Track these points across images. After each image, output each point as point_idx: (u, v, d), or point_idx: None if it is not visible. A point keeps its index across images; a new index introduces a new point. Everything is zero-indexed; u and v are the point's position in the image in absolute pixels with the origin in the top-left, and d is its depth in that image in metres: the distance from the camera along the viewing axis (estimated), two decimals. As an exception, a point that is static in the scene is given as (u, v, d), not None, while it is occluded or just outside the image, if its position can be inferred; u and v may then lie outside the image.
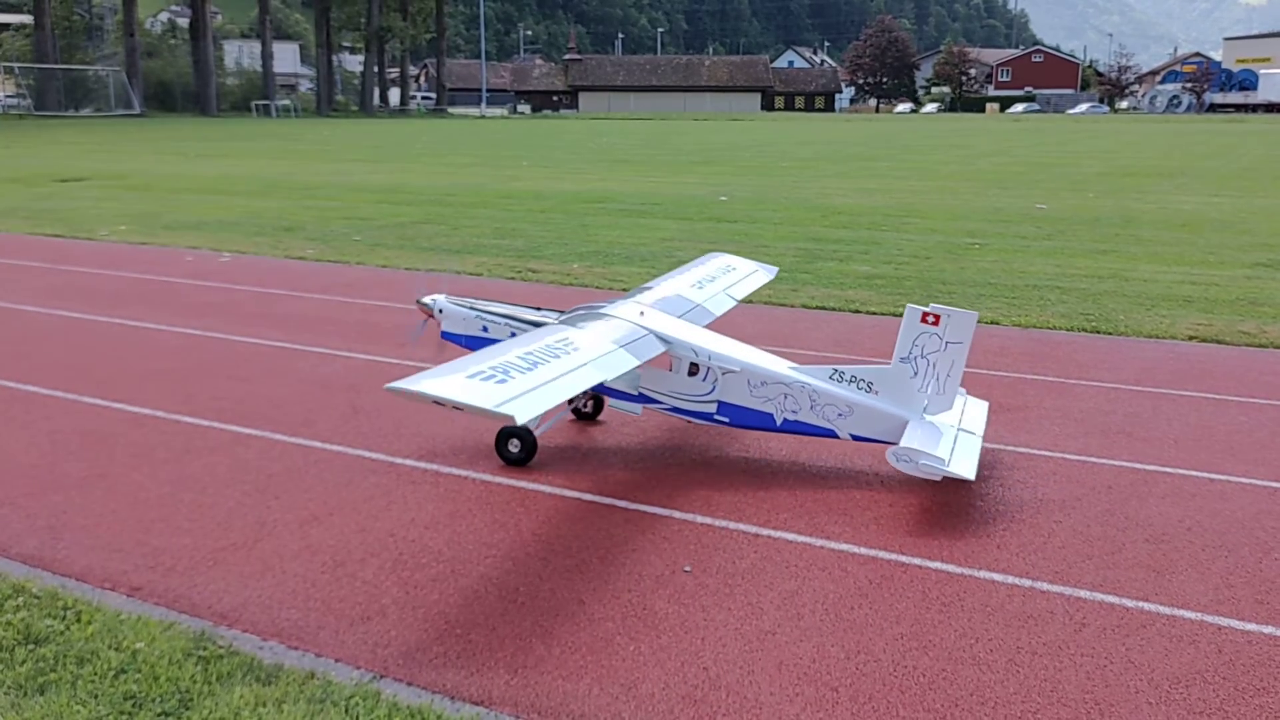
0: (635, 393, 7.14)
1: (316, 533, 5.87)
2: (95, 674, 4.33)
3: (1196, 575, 5.46)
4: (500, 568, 5.47)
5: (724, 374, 6.81)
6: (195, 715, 4.06)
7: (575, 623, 4.91)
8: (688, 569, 5.48)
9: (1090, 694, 4.35)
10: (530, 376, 5.65)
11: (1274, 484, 6.77)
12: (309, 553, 5.62)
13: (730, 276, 8.58)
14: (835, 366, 6.78)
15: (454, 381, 5.43)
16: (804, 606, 5.09)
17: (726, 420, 6.93)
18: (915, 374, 6.50)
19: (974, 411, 7.07)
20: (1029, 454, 7.31)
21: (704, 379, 6.88)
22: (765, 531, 5.95)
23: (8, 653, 4.49)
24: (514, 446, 6.97)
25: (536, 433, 7.04)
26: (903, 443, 6.24)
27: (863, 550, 5.72)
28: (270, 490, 6.49)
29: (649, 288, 7.90)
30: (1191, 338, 10.92)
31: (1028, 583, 5.36)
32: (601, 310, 7.07)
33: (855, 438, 6.65)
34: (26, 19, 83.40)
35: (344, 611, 4.99)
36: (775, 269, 9.28)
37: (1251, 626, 4.93)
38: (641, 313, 7.06)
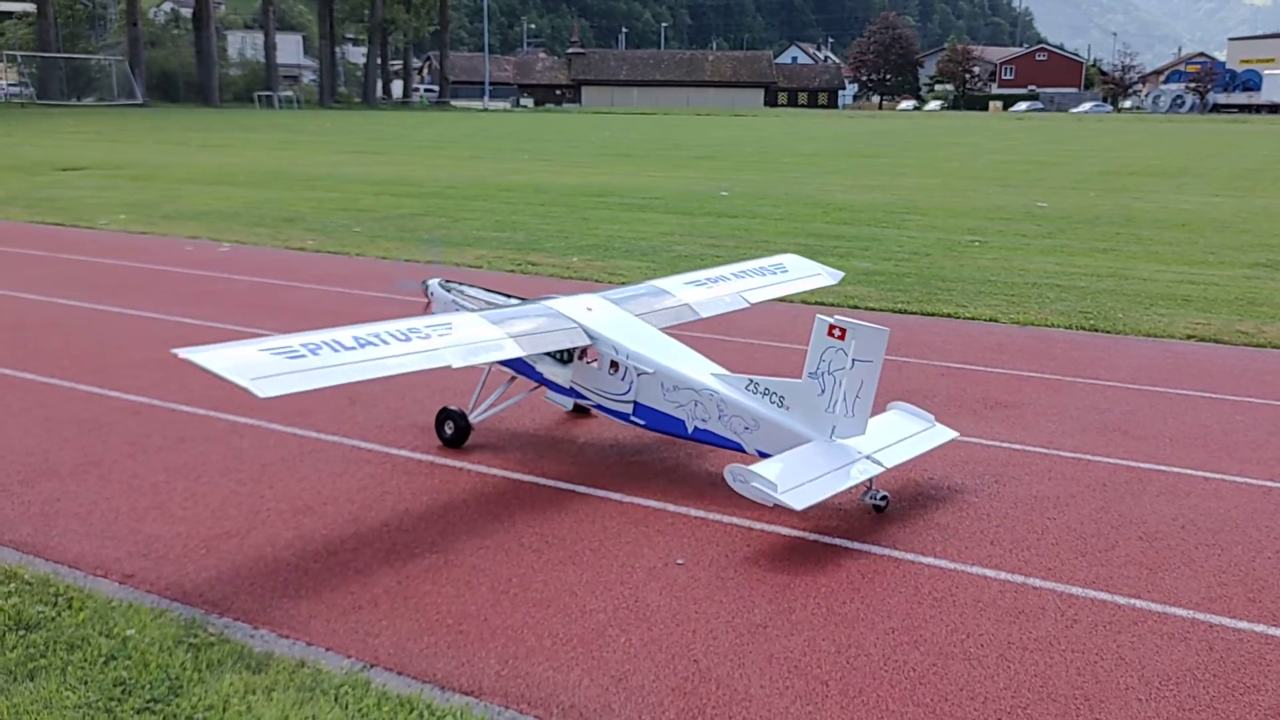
0: (568, 386, 7.01)
1: (310, 522, 5.87)
2: (85, 660, 4.33)
3: (1189, 573, 5.46)
4: (493, 559, 5.47)
5: (639, 374, 6.53)
6: (185, 702, 4.06)
7: (567, 614, 4.91)
8: (680, 562, 5.48)
9: (1081, 690, 4.35)
10: (336, 357, 5.61)
11: (1269, 483, 6.77)
12: (301, 542, 5.61)
13: (765, 279, 8.14)
14: (753, 377, 6.32)
15: (235, 353, 5.52)
16: (795, 600, 5.08)
17: (643, 423, 6.64)
18: (823, 391, 5.90)
19: (915, 442, 6.30)
20: (1024, 451, 7.30)
21: (622, 378, 6.62)
22: (759, 525, 5.95)
23: (-2, 638, 4.49)
24: (448, 428, 7.12)
25: (471, 418, 7.12)
26: (751, 464, 5.72)
27: (855, 545, 5.72)
28: (264, 480, 6.49)
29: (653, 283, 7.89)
30: (1189, 337, 10.91)
31: (1020, 579, 5.36)
32: (544, 300, 7.04)
33: (761, 454, 6.03)
34: (29, 7, 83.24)
35: (335, 601, 4.99)
36: (840, 274, 8.82)
37: (1243, 625, 4.93)
38: (590, 308, 6.89)
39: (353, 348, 5.75)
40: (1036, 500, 6.42)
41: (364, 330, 5.95)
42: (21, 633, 4.55)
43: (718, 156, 38.12)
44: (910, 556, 5.60)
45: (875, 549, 5.67)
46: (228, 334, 10.07)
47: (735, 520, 6.00)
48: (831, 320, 5.88)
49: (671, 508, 6.16)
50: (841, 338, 5.80)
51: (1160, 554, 5.68)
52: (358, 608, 4.93)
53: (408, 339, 5.97)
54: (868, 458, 5.93)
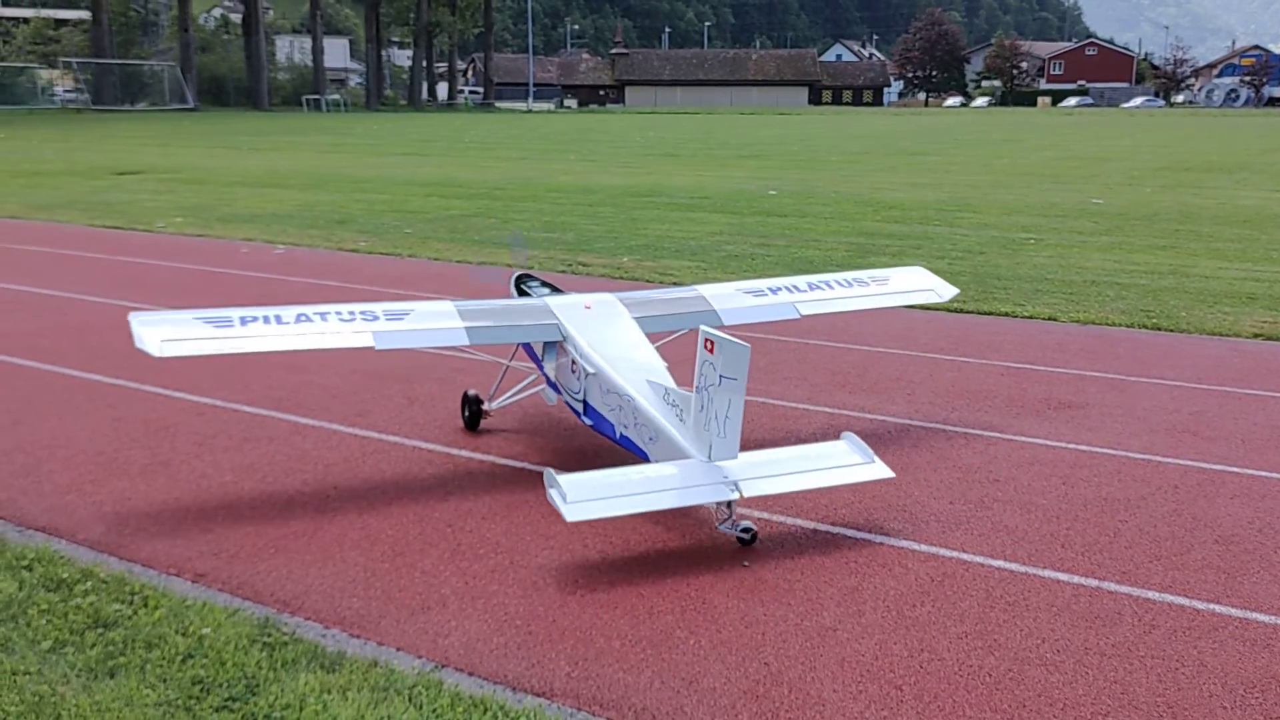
0: (552, 380, 6.97)
1: (375, 522, 5.91)
2: (163, 658, 4.39)
3: (1269, 577, 5.33)
4: (557, 559, 5.47)
5: (587, 375, 6.39)
6: (262, 701, 4.09)
7: (635, 615, 4.89)
8: (746, 564, 5.44)
9: (1162, 697, 4.26)
10: (263, 329, 6.14)
11: (1347, 485, 6.59)
12: (368, 542, 5.65)
13: (845, 290, 7.49)
14: (672, 387, 5.90)
15: (169, 316, 6.27)
16: (865, 603, 5.03)
17: (590, 423, 6.49)
18: (702, 408, 5.48)
19: (822, 475, 5.68)
20: (1091, 452, 7.18)
21: (579, 377, 6.51)
22: (823, 527, 5.90)
23: (78, 636, 4.56)
24: (466, 410, 7.45)
25: (487, 405, 7.41)
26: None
27: (923, 547, 5.65)
28: (329, 480, 6.54)
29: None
30: (1256, 335, 10.68)
31: (1094, 583, 5.26)
32: (545, 295, 7.19)
33: None
34: (84, 15, 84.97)
35: (404, 601, 5.01)
36: (954, 290, 7.95)
37: (1328, 631, 4.80)
38: (588, 305, 6.84)
39: (287, 323, 6.23)
40: (1107, 502, 6.30)
41: (311, 309, 6.38)
42: (100, 630, 4.61)
43: (764, 155, 37.97)
44: (980, 559, 5.52)
45: (943, 551, 5.60)
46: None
47: (799, 522, 5.95)
48: (708, 333, 5.41)
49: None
50: (711, 351, 5.35)
51: (1238, 558, 5.55)
52: (426, 608, 4.95)
53: (351, 319, 6.31)
54: (726, 483, 5.38)
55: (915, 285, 7.82)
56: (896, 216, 19.90)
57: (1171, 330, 10.93)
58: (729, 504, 5.47)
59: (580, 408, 6.60)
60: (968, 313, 11.70)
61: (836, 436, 5.94)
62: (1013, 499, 6.33)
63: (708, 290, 7.46)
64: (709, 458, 5.46)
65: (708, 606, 4.98)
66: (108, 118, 65.33)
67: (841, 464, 5.70)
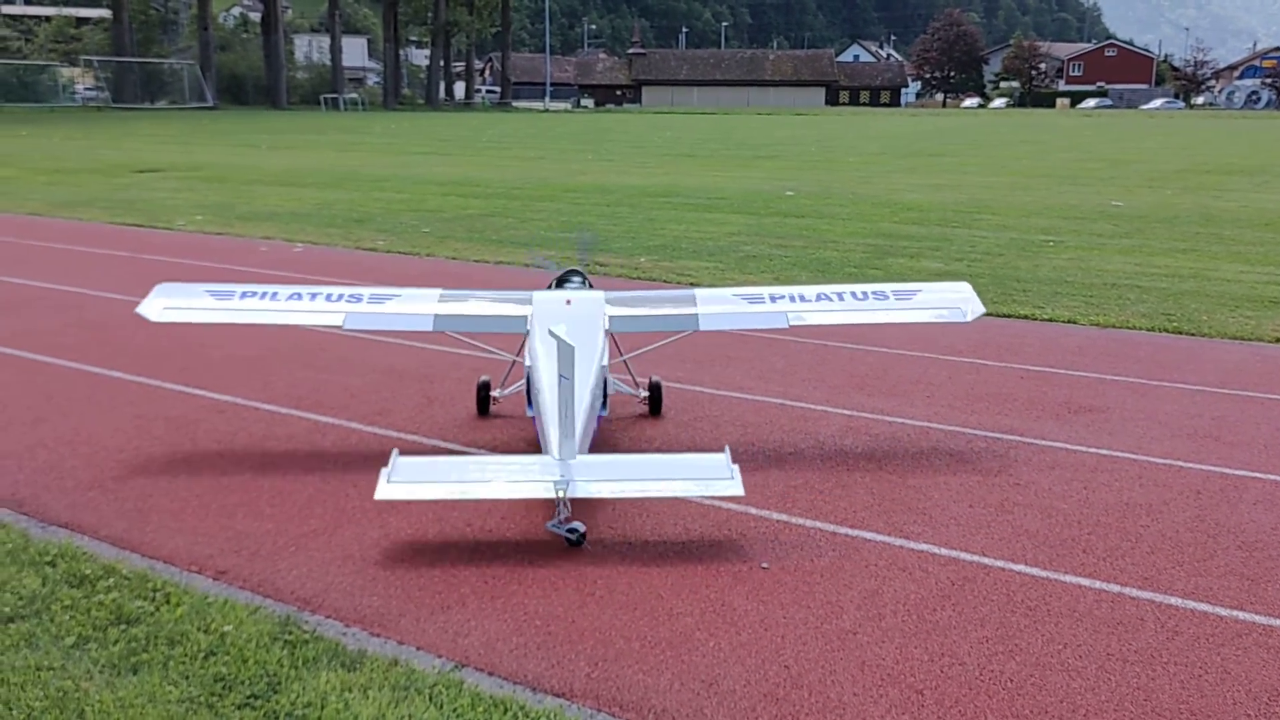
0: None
1: (394, 521, 5.92)
2: (186, 655, 4.41)
3: (1293, 585, 5.28)
4: (576, 560, 5.46)
5: (527, 367, 6.54)
6: (283, 699, 4.11)
7: (654, 617, 4.89)
8: (765, 566, 5.43)
9: (1186, 704, 4.23)
10: (256, 303, 6.89)
11: (1372, 492, 6.53)
12: (388, 541, 5.66)
13: (856, 304, 7.07)
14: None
15: (179, 288, 7.17)
16: (885, 607, 5.01)
17: (531, 414, 6.46)
18: (557, 405, 5.55)
19: (670, 485, 5.57)
20: (1112, 456, 7.14)
21: (528, 370, 6.59)
22: (843, 530, 5.88)
23: (101, 632, 4.58)
24: (479, 395, 7.73)
25: (495, 392, 7.79)
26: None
27: (943, 551, 5.63)
28: (348, 478, 6.56)
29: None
30: (1279, 340, 10.60)
31: (1116, 588, 5.23)
32: (534, 291, 7.29)
33: None
34: (105, 13, 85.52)
35: (424, 600, 5.02)
36: (981, 310, 7.18)
37: (1354, 639, 4.76)
38: (568, 302, 6.97)
39: (279, 299, 6.94)
40: (1128, 507, 6.26)
41: (306, 289, 7.13)
42: (123, 627, 4.64)
43: (781, 156, 37.91)
44: (1000, 564, 5.49)
45: (964, 555, 5.57)
46: (306, 333, 10.22)
47: (819, 525, 5.94)
48: (552, 332, 5.49)
49: (754, 511, 6.11)
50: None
51: (1261, 564, 5.51)
52: (446, 607, 4.96)
53: (336, 300, 6.95)
54: (557, 481, 5.31)
55: (940, 303, 7.13)
56: (915, 218, 19.83)
57: (1193, 334, 10.85)
58: (562, 502, 5.37)
59: (529, 400, 6.56)
60: (987, 315, 11.61)
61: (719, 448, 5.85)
62: (1033, 503, 6.29)
63: (702, 294, 7.41)
64: (557, 455, 5.50)
65: (727, 609, 4.97)
66: (128, 116, 65.72)
67: (694, 477, 5.55)
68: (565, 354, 5.30)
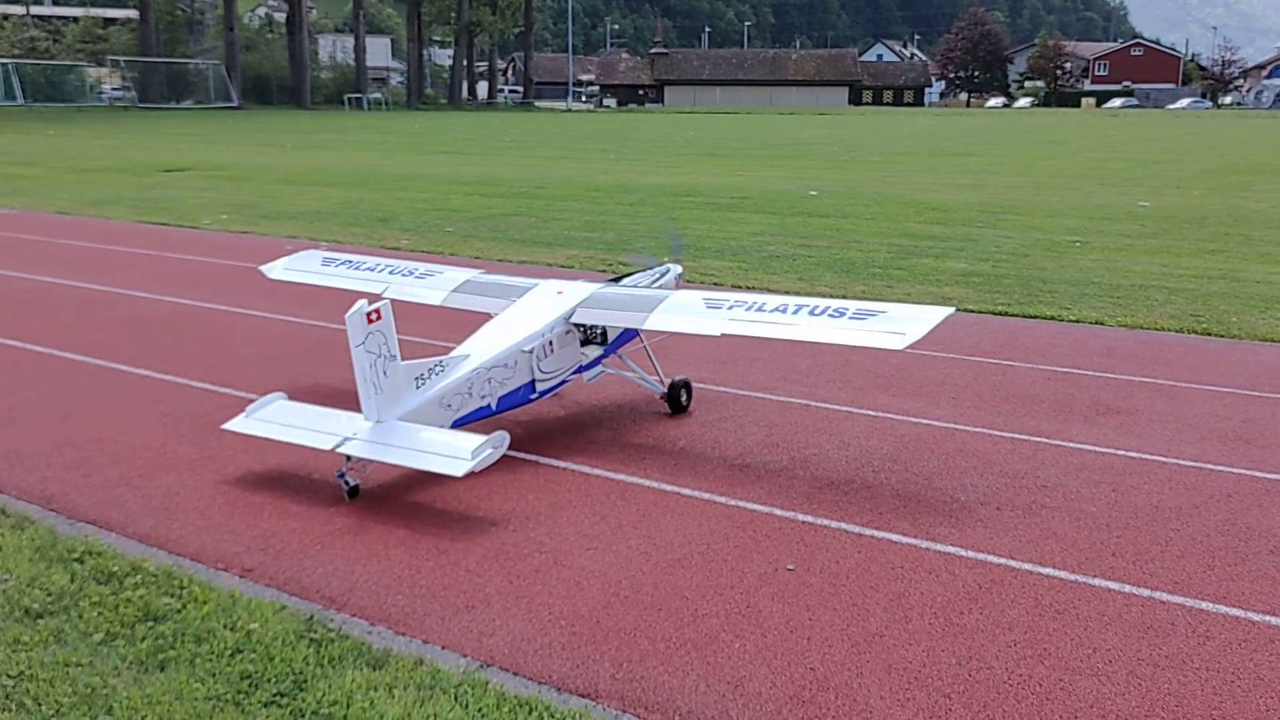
0: None
1: (418, 520, 5.92)
2: (212, 653, 4.42)
3: (1327, 590, 5.21)
4: (601, 560, 5.46)
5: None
6: (309, 697, 4.12)
7: (679, 618, 4.87)
8: (791, 568, 5.40)
9: (1218, 711, 4.18)
10: (356, 273, 8.30)
11: (1407, 497, 6.44)
12: (412, 540, 5.67)
13: (804, 319, 6.64)
14: (443, 359, 6.65)
15: (306, 252, 9.08)
16: (912, 609, 4.98)
17: None
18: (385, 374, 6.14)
19: (422, 457, 5.93)
20: (1141, 459, 7.07)
21: None
22: (868, 531, 5.84)
23: (129, 629, 4.61)
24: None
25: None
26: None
27: (970, 554, 5.58)
28: (373, 477, 6.54)
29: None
30: (1310, 342, 10.47)
31: (1146, 592, 5.17)
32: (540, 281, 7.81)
33: None
34: (132, 14, 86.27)
35: (449, 599, 5.02)
36: (915, 338, 6.32)
37: (1389, 646, 4.68)
38: (560, 291, 7.47)
39: (381, 272, 8.20)
40: (1157, 510, 6.20)
41: (410, 265, 8.34)
42: (150, 624, 4.66)
43: (805, 156, 37.80)
44: (1028, 566, 5.44)
45: (991, 558, 5.53)
46: (332, 333, 10.26)
47: (844, 526, 5.90)
48: (364, 307, 6.08)
49: (779, 512, 6.08)
50: (370, 322, 6.10)
51: (1294, 569, 5.43)
52: (470, 606, 4.96)
53: (408, 275, 8.13)
54: (343, 438, 6.06)
55: (889, 327, 6.39)
56: (939, 218, 19.72)
57: (1222, 336, 10.74)
58: (345, 456, 6.07)
59: None
60: (1013, 316, 11.56)
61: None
62: (1061, 505, 6.24)
63: (679, 296, 7.33)
64: (364, 417, 6.16)
65: (752, 610, 4.95)
66: (154, 115, 66.24)
67: (435, 453, 5.93)
68: (354, 325, 5.99)
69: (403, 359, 6.30)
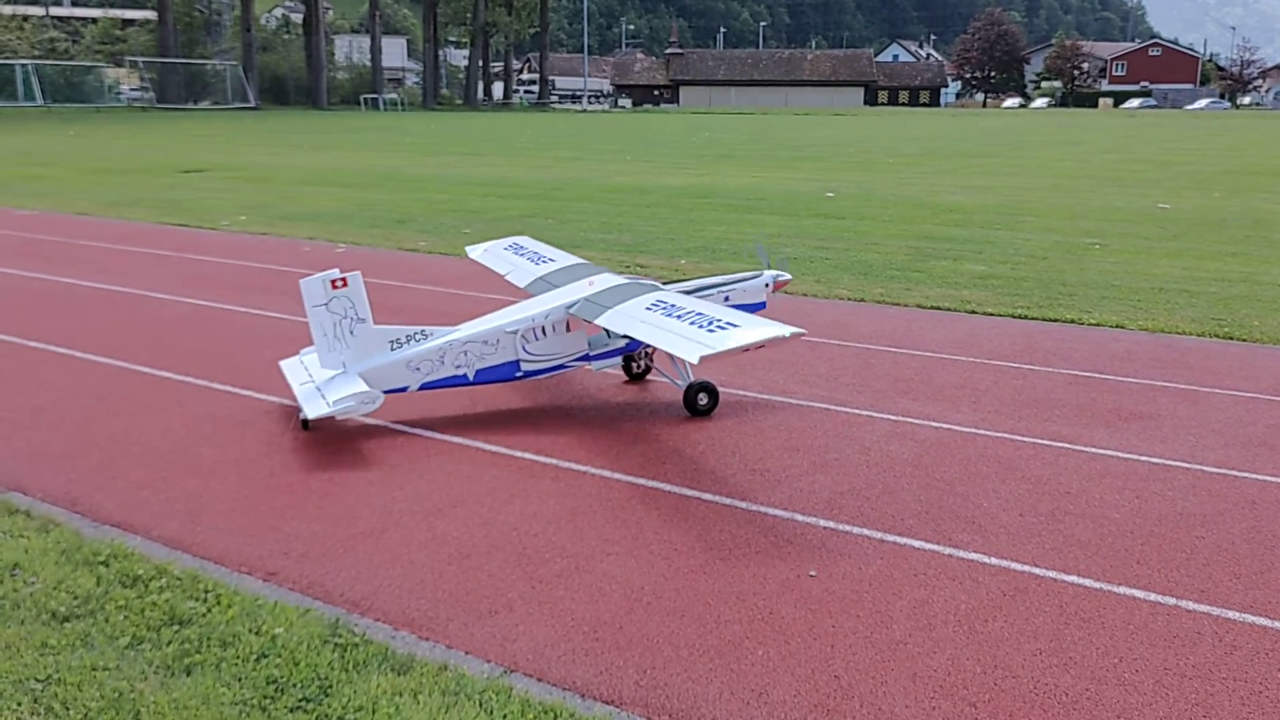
0: None
1: (441, 524, 5.94)
2: (238, 657, 4.44)
3: (1355, 600, 5.17)
4: (623, 565, 5.46)
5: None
6: (335, 703, 4.13)
7: (702, 625, 4.86)
8: (813, 574, 5.39)
9: (1246, 722, 4.15)
10: (529, 264, 9.08)
11: None
12: (435, 544, 5.68)
13: (660, 322, 6.98)
14: (425, 329, 7.68)
15: (492, 244, 10.07)
16: (935, 617, 4.96)
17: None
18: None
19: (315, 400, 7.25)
20: (1165, 465, 7.02)
21: None
22: (891, 538, 5.83)
23: (155, 633, 4.63)
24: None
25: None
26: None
27: (994, 561, 5.56)
28: (394, 480, 6.59)
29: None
30: (1334, 346, 10.39)
31: (1171, 601, 5.14)
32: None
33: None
34: (150, 15, 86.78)
35: (472, 604, 5.03)
36: (708, 351, 6.33)
37: None
38: (590, 282, 7.98)
39: (539, 264, 9.06)
40: (1182, 517, 6.16)
41: (564, 257, 9.17)
42: (176, 628, 4.68)
43: (821, 157, 37.71)
44: (1052, 574, 5.42)
45: (1015, 565, 5.51)
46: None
47: (866, 532, 5.89)
48: (332, 275, 7.52)
49: (800, 518, 6.07)
50: (335, 289, 7.48)
51: (1321, 578, 5.39)
52: (493, 612, 4.97)
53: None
54: (304, 383, 7.53)
55: (699, 339, 6.51)
56: (957, 220, 19.65)
57: (1244, 340, 10.66)
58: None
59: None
60: (1032, 319, 11.51)
61: None
62: (1085, 512, 6.21)
63: (636, 300, 7.44)
64: (332, 365, 7.47)
65: (775, 617, 4.94)
66: (172, 116, 66.59)
67: (321, 399, 7.19)
68: (330, 294, 7.40)
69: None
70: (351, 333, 7.41)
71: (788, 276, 8.86)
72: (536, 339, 7.74)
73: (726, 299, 8.23)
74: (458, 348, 7.58)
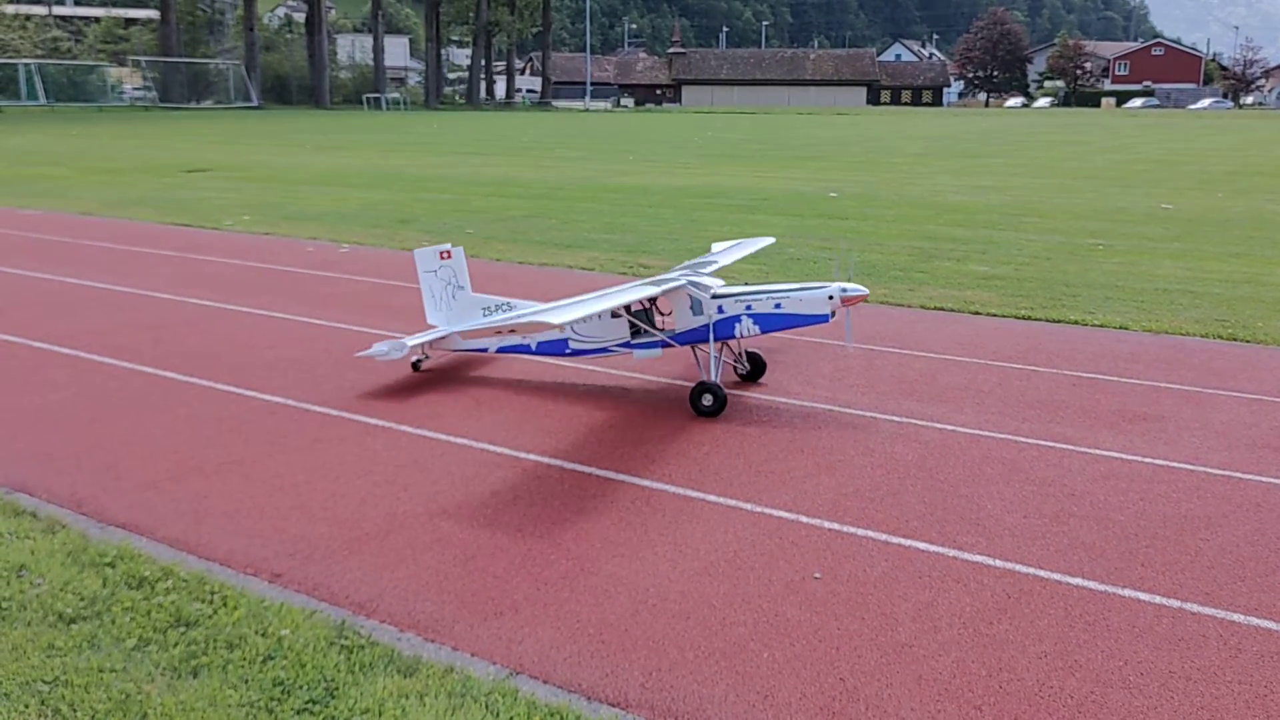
0: None
1: (446, 525, 5.95)
2: (244, 659, 4.45)
3: (1360, 602, 5.16)
4: (628, 567, 5.46)
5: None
6: (341, 705, 4.14)
7: (707, 627, 4.87)
8: (818, 576, 5.39)
9: (1252, 725, 4.15)
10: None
11: None
12: (440, 545, 5.69)
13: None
14: (506, 300, 9.11)
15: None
16: (940, 619, 4.96)
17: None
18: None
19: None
20: (1169, 467, 7.02)
21: None
22: (895, 539, 5.83)
23: (161, 634, 4.64)
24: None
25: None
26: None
27: (998, 563, 5.56)
28: (399, 481, 6.60)
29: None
30: (1338, 348, 10.37)
31: (1176, 603, 5.14)
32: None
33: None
34: (153, 14, 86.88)
35: (477, 606, 5.04)
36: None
37: None
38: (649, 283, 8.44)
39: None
40: (1186, 520, 6.16)
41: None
42: (182, 629, 4.69)
43: (824, 157, 37.72)
44: (1056, 576, 5.42)
45: (1019, 567, 5.51)
46: (354, 335, 10.30)
47: (871, 534, 5.89)
48: (440, 248, 9.12)
49: (805, 519, 6.07)
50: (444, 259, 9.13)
51: (1326, 581, 5.39)
52: (499, 613, 4.97)
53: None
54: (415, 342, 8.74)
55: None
56: (960, 220, 19.65)
57: (1248, 341, 10.65)
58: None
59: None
60: (1036, 320, 11.51)
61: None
62: (1089, 514, 6.21)
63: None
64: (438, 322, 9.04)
65: (780, 619, 4.95)
66: (175, 115, 66.66)
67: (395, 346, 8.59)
68: (438, 263, 9.12)
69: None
70: (454, 297, 9.08)
71: (861, 290, 8.16)
72: (585, 322, 8.33)
73: (778, 306, 8.07)
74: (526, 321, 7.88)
